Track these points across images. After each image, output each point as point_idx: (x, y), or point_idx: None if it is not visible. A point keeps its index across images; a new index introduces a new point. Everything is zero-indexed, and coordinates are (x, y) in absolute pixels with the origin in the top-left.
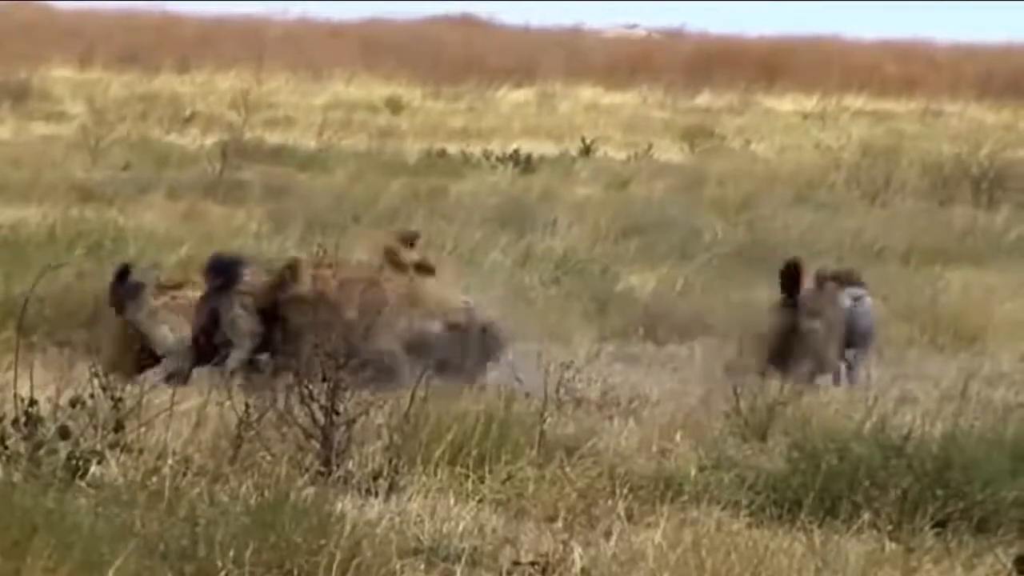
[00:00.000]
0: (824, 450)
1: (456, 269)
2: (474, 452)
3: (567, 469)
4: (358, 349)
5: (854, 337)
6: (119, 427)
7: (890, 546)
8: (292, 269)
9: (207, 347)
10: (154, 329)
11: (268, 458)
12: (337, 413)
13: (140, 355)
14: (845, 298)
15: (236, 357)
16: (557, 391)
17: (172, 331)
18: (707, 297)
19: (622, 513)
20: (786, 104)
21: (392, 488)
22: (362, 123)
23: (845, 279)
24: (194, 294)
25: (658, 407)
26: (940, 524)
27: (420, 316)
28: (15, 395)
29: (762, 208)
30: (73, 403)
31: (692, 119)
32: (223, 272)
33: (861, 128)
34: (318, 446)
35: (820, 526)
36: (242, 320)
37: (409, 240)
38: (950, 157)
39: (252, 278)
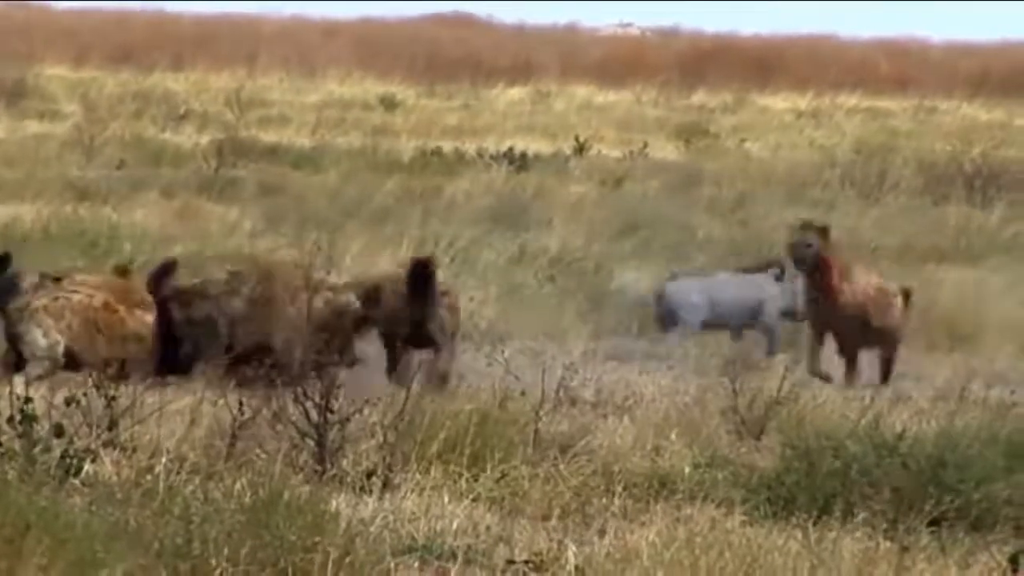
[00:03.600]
0: (819, 448)
1: None
2: (468, 450)
3: (561, 467)
4: None
5: None
6: (113, 425)
7: (884, 544)
8: None
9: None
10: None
11: (262, 456)
12: (331, 411)
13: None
14: None
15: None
16: (557, 391)
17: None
18: None
19: (616, 511)
20: (780, 102)
21: (386, 486)
22: (356, 121)
23: None
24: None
25: (652, 405)
26: (935, 522)
27: None
28: (10, 393)
29: (756, 206)
30: (67, 402)
31: (686, 117)
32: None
33: (855, 126)
34: (312, 444)
35: (814, 524)
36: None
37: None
38: (944, 155)
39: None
